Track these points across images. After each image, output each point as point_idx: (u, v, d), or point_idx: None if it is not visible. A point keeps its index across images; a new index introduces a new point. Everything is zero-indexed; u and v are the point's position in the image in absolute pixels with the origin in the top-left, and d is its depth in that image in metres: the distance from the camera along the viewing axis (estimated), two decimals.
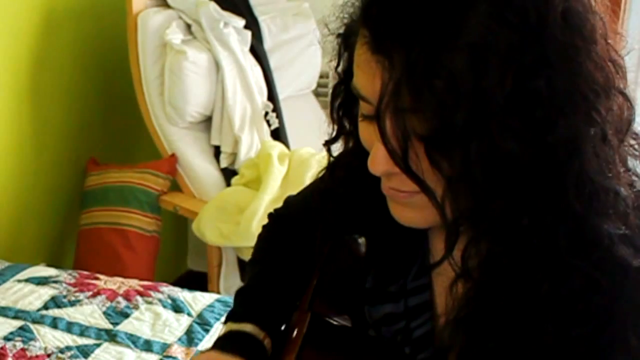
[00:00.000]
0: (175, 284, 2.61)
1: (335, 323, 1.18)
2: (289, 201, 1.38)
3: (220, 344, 1.23)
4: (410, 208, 0.97)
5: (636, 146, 0.96)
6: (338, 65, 1.02)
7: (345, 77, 1.01)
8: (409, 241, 1.08)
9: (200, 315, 2.32)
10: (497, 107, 0.84)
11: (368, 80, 0.91)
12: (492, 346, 0.94)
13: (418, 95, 0.86)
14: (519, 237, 0.90)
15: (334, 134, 1.09)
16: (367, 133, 0.96)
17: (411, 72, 0.86)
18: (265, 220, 1.40)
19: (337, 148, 1.12)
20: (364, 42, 0.91)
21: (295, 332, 1.21)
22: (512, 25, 0.84)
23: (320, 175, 1.21)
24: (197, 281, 3.20)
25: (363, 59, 0.92)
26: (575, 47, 0.87)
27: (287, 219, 1.36)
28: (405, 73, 0.86)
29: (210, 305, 2.37)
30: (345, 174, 1.12)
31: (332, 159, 1.14)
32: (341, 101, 1.05)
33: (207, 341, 2.20)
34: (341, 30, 0.99)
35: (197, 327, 2.26)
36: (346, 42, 0.98)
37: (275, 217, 1.39)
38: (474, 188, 0.88)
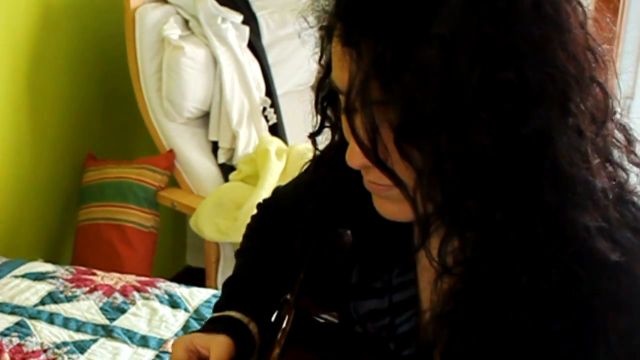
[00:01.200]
0: (174, 279, 2.62)
1: (320, 320, 1.17)
2: (278, 192, 1.39)
3: (210, 327, 1.23)
4: (391, 201, 0.97)
5: (622, 139, 0.95)
6: (321, 58, 1.02)
7: (328, 70, 1.01)
8: (394, 236, 1.08)
9: (197, 311, 2.32)
10: (467, 99, 0.84)
11: (341, 73, 0.91)
12: (475, 341, 0.94)
13: (387, 88, 0.86)
14: (494, 231, 0.89)
15: (317, 126, 1.08)
16: (346, 126, 0.95)
17: (379, 64, 0.85)
18: None
19: (323, 141, 1.12)
20: (336, 34, 0.91)
21: (284, 324, 1.21)
22: (481, 15, 0.83)
23: (306, 167, 1.21)
24: (196, 277, 3.19)
25: (335, 51, 0.92)
26: (547, 37, 0.85)
27: (275, 210, 1.36)
28: (373, 65, 0.86)
29: (207, 301, 2.37)
30: (330, 168, 1.11)
31: (317, 152, 1.14)
32: (325, 94, 1.05)
33: None
34: (322, 23, 0.98)
35: (193, 323, 2.26)
36: (328, 34, 0.97)
37: (263, 207, 1.40)
38: (444, 182, 0.88)
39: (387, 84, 0.86)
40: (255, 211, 1.40)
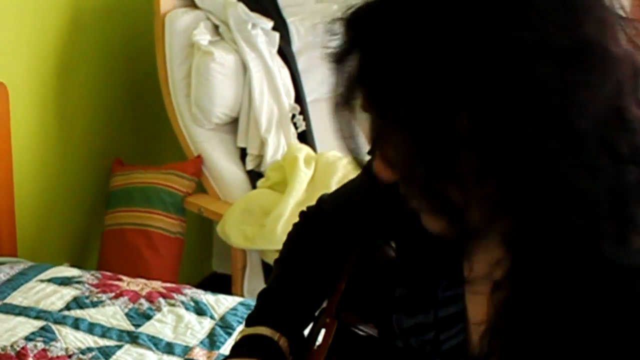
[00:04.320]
0: (199, 286, 2.60)
1: (361, 333, 1.15)
2: (322, 200, 1.36)
3: (236, 352, 1.23)
4: (435, 217, 0.96)
5: None
6: None
7: None
8: (441, 249, 1.05)
9: (222, 319, 2.30)
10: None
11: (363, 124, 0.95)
12: (531, 351, 0.91)
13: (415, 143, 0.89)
14: (538, 245, 0.88)
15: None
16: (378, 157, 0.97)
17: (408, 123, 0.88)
18: (290, 223, 1.38)
19: None
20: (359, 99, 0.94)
21: (321, 338, 1.19)
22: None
23: (354, 177, 1.19)
24: (222, 284, 3.17)
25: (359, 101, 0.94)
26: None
27: (318, 219, 1.33)
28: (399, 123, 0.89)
29: (233, 309, 2.35)
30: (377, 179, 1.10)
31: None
32: None
33: (229, 344, 2.17)
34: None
35: (219, 330, 2.24)
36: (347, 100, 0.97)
37: (306, 215, 1.37)
38: (486, 199, 0.88)
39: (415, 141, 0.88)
40: (291, 223, 1.38)
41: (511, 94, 0.83)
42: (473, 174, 0.87)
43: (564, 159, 0.84)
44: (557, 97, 0.83)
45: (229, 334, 2.23)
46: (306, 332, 1.28)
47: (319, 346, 1.17)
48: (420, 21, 0.86)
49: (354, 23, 0.92)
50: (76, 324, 2.21)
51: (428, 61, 0.85)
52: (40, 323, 2.20)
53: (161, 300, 2.35)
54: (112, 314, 2.27)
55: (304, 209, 1.38)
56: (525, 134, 0.83)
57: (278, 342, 1.21)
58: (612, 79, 0.85)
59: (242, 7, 3.02)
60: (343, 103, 0.96)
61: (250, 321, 1.27)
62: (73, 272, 2.52)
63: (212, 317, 2.30)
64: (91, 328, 2.20)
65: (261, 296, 1.29)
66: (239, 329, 2.18)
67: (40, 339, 2.13)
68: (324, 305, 1.24)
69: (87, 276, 2.47)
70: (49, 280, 2.42)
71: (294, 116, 3.16)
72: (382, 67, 0.89)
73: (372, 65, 0.90)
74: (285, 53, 3.20)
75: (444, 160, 0.87)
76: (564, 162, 0.84)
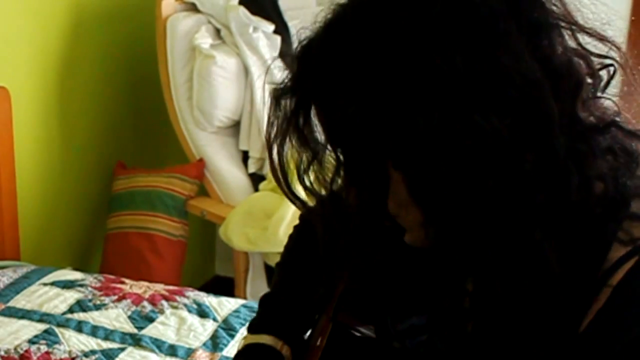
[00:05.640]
0: (202, 289, 2.60)
1: (358, 334, 1.15)
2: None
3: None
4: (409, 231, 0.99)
5: None
6: None
7: None
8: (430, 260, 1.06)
9: (225, 321, 2.30)
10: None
11: None
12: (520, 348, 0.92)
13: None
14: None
15: None
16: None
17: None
18: (292, 226, 1.38)
19: None
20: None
21: (318, 341, 1.19)
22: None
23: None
24: (224, 286, 3.18)
25: None
26: None
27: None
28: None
29: (236, 311, 2.35)
30: None
31: None
32: None
33: (232, 346, 2.18)
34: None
35: (222, 333, 2.24)
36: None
37: (305, 217, 1.37)
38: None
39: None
40: (292, 225, 1.39)
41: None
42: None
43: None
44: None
45: (232, 336, 2.23)
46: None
47: (314, 348, 1.18)
48: (357, 58, 0.89)
49: (299, 60, 0.96)
50: (79, 327, 2.21)
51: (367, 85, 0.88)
52: (43, 326, 2.21)
53: (164, 302, 2.35)
54: (115, 317, 2.27)
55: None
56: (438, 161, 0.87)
57: (281, 351, 1.22)
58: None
59: (243, 10, 3.03)
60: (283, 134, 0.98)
61: (253, 328, 1.27)
62: (76, 275, 2.52)
63: (214, 320, 2.31)
64: (94, 331, 2.21)
65: (263, 302, 1.30)
66: (242, 331, 2.21)
67: (44, 342, 2.13)
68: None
69: (90, 279, 2.47)
70: (52, 284, 2.43)
71: None
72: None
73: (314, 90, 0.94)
74: (287, 56, 3.20)
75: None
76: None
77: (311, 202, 1.06)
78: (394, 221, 0.98)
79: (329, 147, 0.95)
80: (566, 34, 0.90)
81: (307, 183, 1.01)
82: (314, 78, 0.93)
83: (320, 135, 0.96)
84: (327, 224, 1.11)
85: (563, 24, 0.89)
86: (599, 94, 0.91)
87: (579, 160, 0.87)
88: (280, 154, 0.98)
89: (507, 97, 0.84)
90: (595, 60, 0.91)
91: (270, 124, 0.99)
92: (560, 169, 0.86)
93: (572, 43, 0.90)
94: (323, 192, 1.02)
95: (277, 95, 0.97)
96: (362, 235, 1.08)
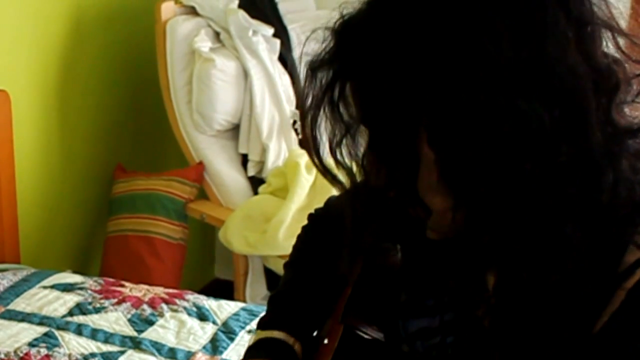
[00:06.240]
0: (202, 292, 2.60)
1: (367, 337, 1.15)
2: (330, 202, 1.36)
3: (251, 355, 1.24)
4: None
5: None
6: None
7: None
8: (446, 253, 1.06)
9: (225, 324, 2.30)
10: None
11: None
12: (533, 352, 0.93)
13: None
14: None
15: None
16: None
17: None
18: (292, 229, 1.39)
19: None
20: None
21: (326, 342, 1.20)
22: None
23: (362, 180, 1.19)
24: (224, 289, 3.18)
25: None
26: None
27: (325, 221, 1.34)
28: None
29: (236, 314, 2.35)
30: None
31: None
32: None
33: (232, 350, 2.18)
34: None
35: (221, 336, 2.24)
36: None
37: (314, 217, 1.38)
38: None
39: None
40: (292, 229, 1.39)
41: (464, 106, 0.86)
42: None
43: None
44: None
45: (232, 340, 2.23)
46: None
47: (325, 349, 1.18)
48: (401, 34, 0.89)
49: (339, 35, 0.95)
50: (79, 330, 2.21)
51: (407, 67, 0.89)
52: (43, 329, 2.21)
53: (164, 306, 2.36)
54: (114, 320, 2.28)
55: (312, 211, 1.39)
56: (481, 149, 0.86)
57: (293, 347, 1.22)
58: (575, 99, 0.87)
59: (242, 14, 3.03)
60: (317, 106, 0.98)
61: (263, 325, 1.27)
62: (76, 278, 2.52)
63: (214, 323, 2.31)
64: (94, 334, 2.21)
65: (273, 300, 1.30)
66: (242, 334, 2.22)
67: (44, 345, 2.13)
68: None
69: (90, 282, 2.47)
70: (52, 287, 2.43)
71: (295, 122, 3.17)
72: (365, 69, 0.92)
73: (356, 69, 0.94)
74: (286, 59, 3.21)
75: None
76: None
77: (342, 177, 1.06)
78: (419, 212, 0.98)
79: (362, 122, 0.96)
80: (605, 37, 0.90)
81: (339, 157, 1.01)
82: (356, 52, 0.93)
83: (353, 110, 0.96)
84: (356, 207, 1.12)
85: (605, 26, 0.90)
86: (629, 100, 0.92)
87: (612, 160, 0.87)
88: (313, 126, 0.98)
89: (551, 86, 0.85)
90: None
91: (305, 96, 0.99)
92: (594, 166, 0.86)
93: (611, 46, 0.91)
94: (354, 167, 1.02)
95: (314, 67, 0.98)
96: (388, 221, 1.09)
